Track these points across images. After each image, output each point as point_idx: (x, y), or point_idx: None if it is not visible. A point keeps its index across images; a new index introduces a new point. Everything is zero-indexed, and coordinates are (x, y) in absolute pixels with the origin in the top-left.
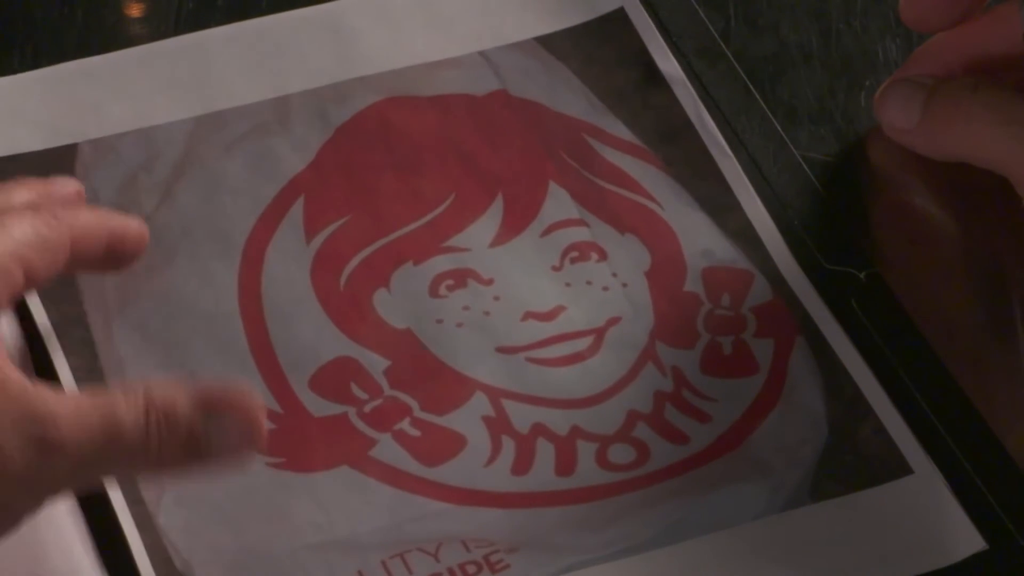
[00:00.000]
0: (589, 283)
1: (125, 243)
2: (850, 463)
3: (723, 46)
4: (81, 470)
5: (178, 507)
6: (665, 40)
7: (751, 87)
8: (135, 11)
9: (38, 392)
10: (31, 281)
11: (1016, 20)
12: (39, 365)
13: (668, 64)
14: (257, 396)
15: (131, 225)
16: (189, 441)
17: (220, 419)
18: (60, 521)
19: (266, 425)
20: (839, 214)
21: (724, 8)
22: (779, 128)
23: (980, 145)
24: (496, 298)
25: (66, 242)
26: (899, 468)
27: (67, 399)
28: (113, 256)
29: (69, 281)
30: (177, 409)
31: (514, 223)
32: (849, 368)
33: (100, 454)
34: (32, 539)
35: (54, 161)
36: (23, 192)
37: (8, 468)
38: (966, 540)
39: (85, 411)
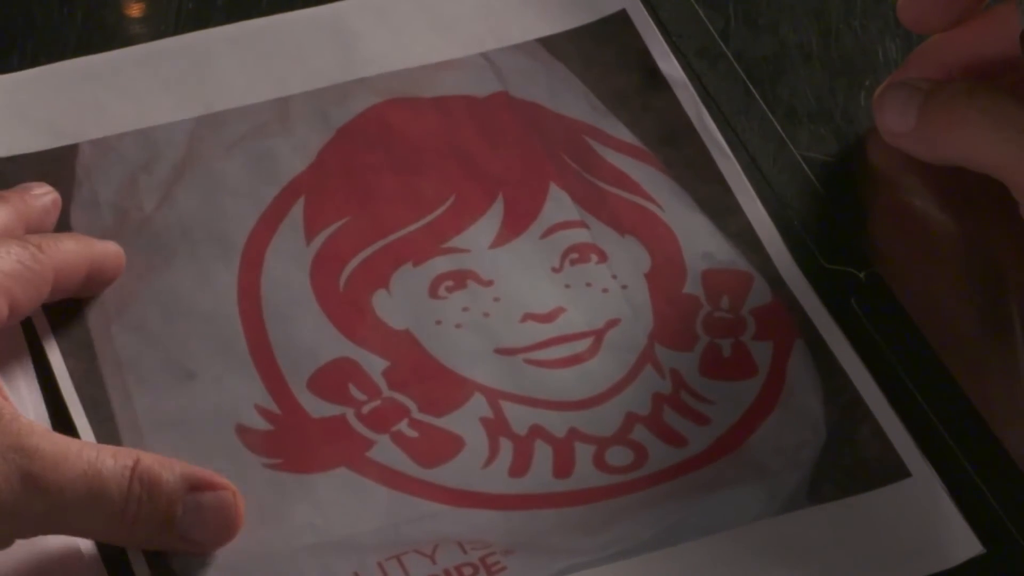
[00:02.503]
0: (589, 285)
1: (104, 271)
2: (848, 466)
3: (723, 46)
4: (56, 515)
5: None
6: (665, 40)
7: (751, 87)
8: (135, 11)
9: (30, 426)
10: (14, 314)
11: (1014, 21)
12: (37, 367)
13: (669, 66)
14: (237, 492)
15: (110, 252)
16: (167, 515)
17: (201, 497)
18: None
19: (243, 509)
20: (839, 214)
21: (724, 8)
22: (779, 128)
23: (976, 150)
24: (496, 299)
25: (50, 276)
26: (897, 471)
27: (57, 439)
28: (92, 282)
29: None
30: (162, 481)
31: (514, 224)
32: (848, 371)
33: (78, 504)
34: (31, 539)
35: (54, 161)
36: (2, 209)
37: None
38: (964, 544)
39: (72, 457)
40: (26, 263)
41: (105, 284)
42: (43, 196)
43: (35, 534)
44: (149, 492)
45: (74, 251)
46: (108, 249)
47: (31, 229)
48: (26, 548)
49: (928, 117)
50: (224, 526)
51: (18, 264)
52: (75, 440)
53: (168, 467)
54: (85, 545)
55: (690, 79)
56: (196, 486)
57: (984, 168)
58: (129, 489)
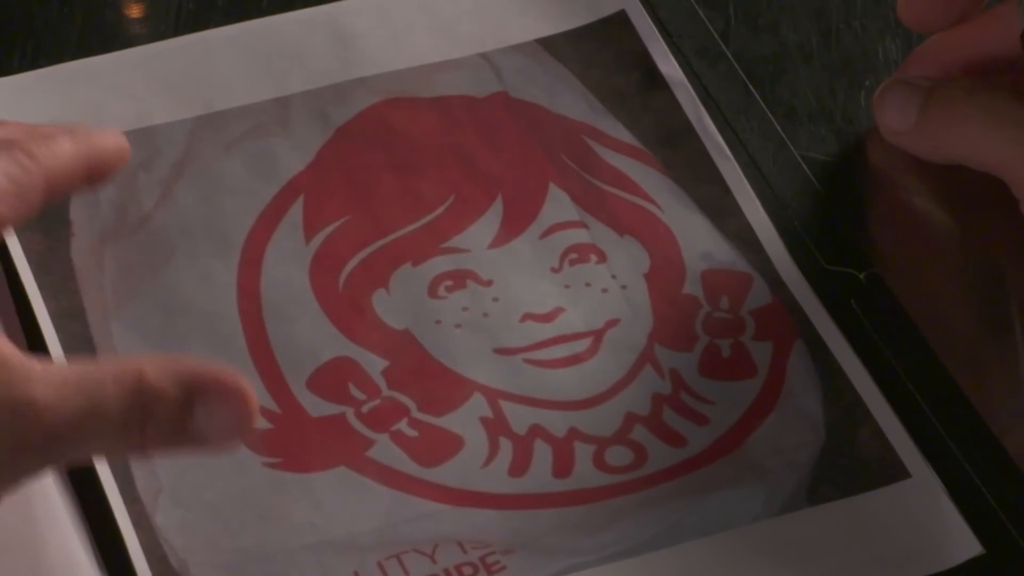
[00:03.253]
0: (588, 285)
1: (105, 166)
2: (847, 467)
3: (723, 46)
4: (58, 442)
5: (175, 506)
6: (665, 40)
7: (751, 87)
8: (135, 11)
9: (21, 358)
10: (1, 226)
11: (1014, 20)
12: None
13: (669, 67)
14: (249, 385)
15: (109, 145)
16: (175, 427)
17: (210, 406)
18: (58, 519)
19: (258, 417)
20: (839, 214)
21: (724, 8)
22: (779, 128)
23: (976, 148)
24: (495, 299)
25: (39, 184)
26: (896, 472)
27: (52, 367)
28: (91, 179)
29: (68, 278)
30: (167, 394)
31: (513, 224)
32: (847, 372)
33: (79, 427)
34: (30, 537)
35: None
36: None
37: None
38: (963, 544)
39: (70, 382)
40: (11, 172)
41: (109, 178)
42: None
43: (44, 468)
44: (155, 403)
45: (69, 153)
46: (107, 143)
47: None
48: (24, 549)
49: (929, 115)
50: (238, 426)
51: (2, 176)
52: (73, 365)
53: (173, 377)
54: (84, 546)
55: (690, 79)
56: (205, 390)
57: (985, 166)
58: (132, 405)
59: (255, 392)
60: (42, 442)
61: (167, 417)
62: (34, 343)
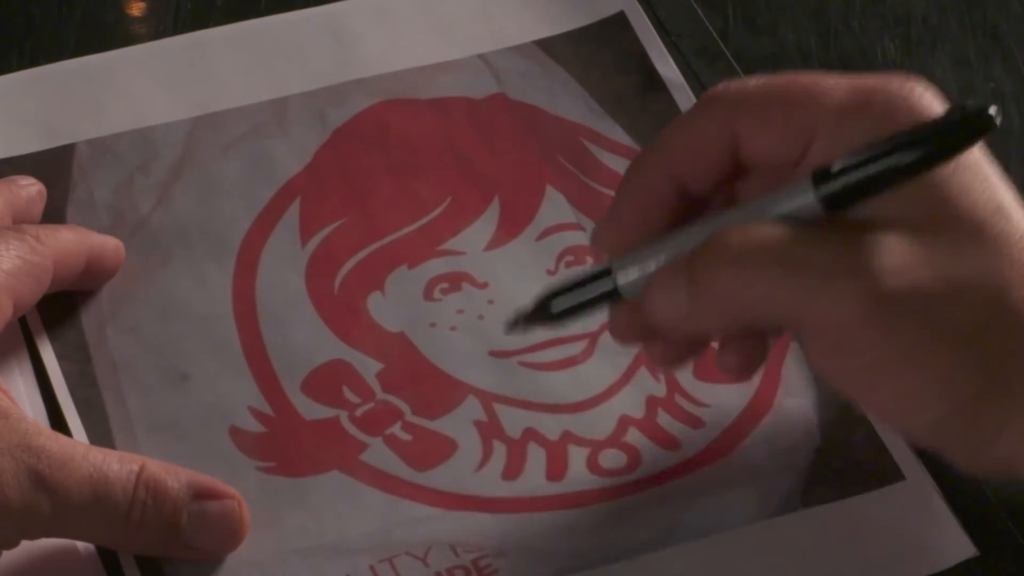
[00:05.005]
0: None
1: (103, 262)
2: (842, 469)
3: (722, 45)
4: (62, 516)
5: None
6: (664, 39)
7: None
8: (134, 11)
9: (36, 426)
10: (18, 310)
11: (717, 137)
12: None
13: (668, 69)
14: (241, 499)
15: (108, 243)
16: (172, 521)
17: (207, 505)
18: None
19: (248, 518)
20: None
21: (723, 8)
22: None
23: (765, 307)
24: (490, 302)
25: (50, 267)
26: (891, 474)
27: (63, 441)
28: (91, 274)
29: None
30: (168, 487)
31: (510, 227)
32: None
33: (83, 506)
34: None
35: (51, 161)
36: None
37: (7, 494)
38: (957, 546)
39: (79, 459)
40: (26, 257)
41: (105, 277)
42: (28, 187)
43: (40, 535)
44: (154, 497)
45: (73, 240)
46: (107, 241)
47: (18, 219)
48: (25, 550)
49: (700, 288)
50: (229, 534)
51: (19, 260)
52: (81, 443)
53: (173, 474)
54: (83, 546)
55: (688, 79)
56: (201, 494)
57: (778, 320)
58: (134, 494)
59: (247, 507)
60: (47, 516)
61: (164, 509)
62: (29, 346)
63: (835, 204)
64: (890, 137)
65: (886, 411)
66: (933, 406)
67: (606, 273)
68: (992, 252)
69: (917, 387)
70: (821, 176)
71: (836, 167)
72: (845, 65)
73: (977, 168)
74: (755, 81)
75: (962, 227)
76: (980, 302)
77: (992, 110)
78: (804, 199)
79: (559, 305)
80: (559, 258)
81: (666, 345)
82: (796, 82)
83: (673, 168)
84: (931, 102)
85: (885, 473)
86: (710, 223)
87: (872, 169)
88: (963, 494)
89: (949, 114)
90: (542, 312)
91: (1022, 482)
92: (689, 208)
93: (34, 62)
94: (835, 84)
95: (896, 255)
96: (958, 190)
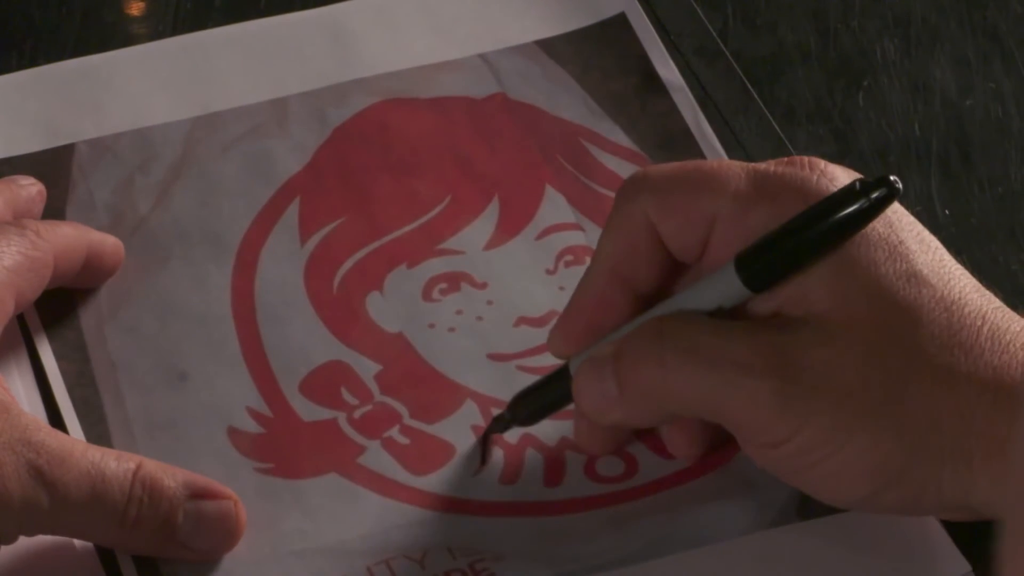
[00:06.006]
0: None
1: (103, 258)
2: None
3: (721, 45)
4: (59, 513)
5: None
6: (663, 39)
7: (749, 87)
8: (134, 11)
9: (35, 422)
10: (20, 306)
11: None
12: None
13: (668, 71)
14: (237, 500)
15: (108, 241)
16: (168, 520)
17: (203, 505)
18: None
19: (245, 518)
20: None
21: (722, 7)
22: (777, 128)
23: (690, 400)
24: (489, 302)
25: (50, 261)
26: None
27: (61, 437)
28: (90, 271)
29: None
30: (164, 486)
31: (509, 226)
32: None
33: (81, 503)
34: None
35: (51, 161)
36: None
37: (7, 487)
38: (950, 562)
39: (77, 455)
40: (27, 252)
41: (104, 275)
42: (28, 186)
43: (38, 531)
44: (150, 495)
45: (73, 235)
46: (106, 238)
47: (19, 217)
48: (25, 550)
49: (626, 380)
50: (225, 535)
51: (19, 255)
52: (79, 440)
53: (170, 473)
54: (81, 546)
55: (688, 79)
56: (198, 494)
57: (707, 414)
58: (131, 491)
59: (243, 508)
60: (48, 512)
61: (160, 508)
62: (27, 345)
63: (758, 285)
64: (799, 215)
65: (819, 492)
66: (862, 483)
67: (565, 372)
68: (908, 322)
69: (843, 468)
70: (743, 259)
71: (753, 247)
72: (845, 66)
73: (883, 241)
74: (666, 167)
75: (873, 306)
76: (894, 376)
77: (892, 178)
78: (729, 284)
79: (526, 407)
80: (558, 258)
81: (592, 429)
82: (700, 168)
83: (615, 270)
84: (829, 183)
85: None
86: (642, 317)
87: (788, 244)
88: None
89: (848, 188)
90: (514, 415)
91: (989, 517)
92: (647, 307)
93: (34, 62)
94: (736, 171)
95: (808, 349)
96: (865, 266)
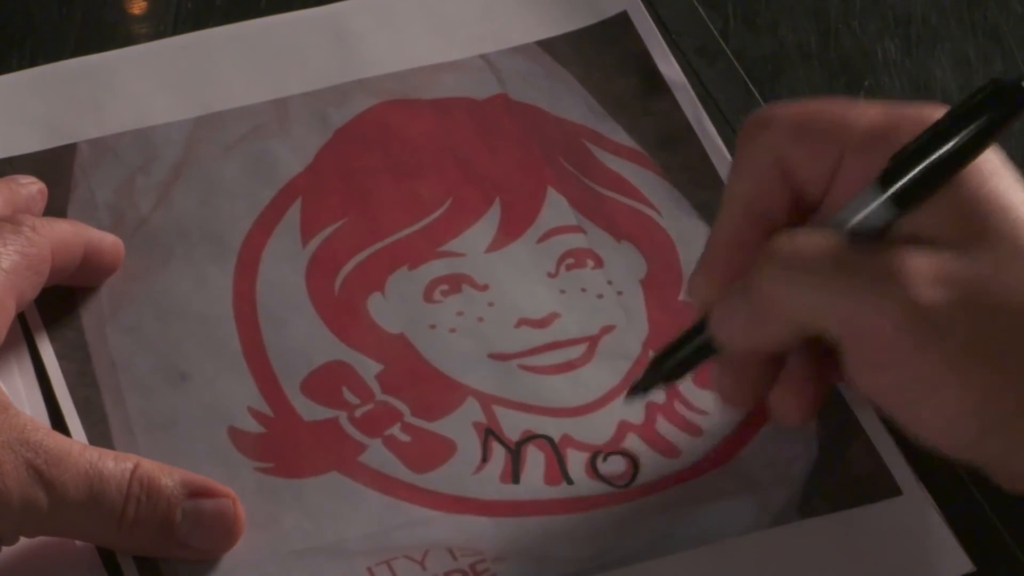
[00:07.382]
0: (584, 290)
1: (101, 255)
2: (839, 482)
3: (722, 44)
4: (58, 513)
5: None
6: (664, 38)
7: (750, 86)
8: (134, 10)
9: (33, 422)
10: (20, 305)
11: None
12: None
13: (670, 70)
14: (236, 498)
15: (107, 238)
16: (166, 519)
17: (201, 504)
18: None
19: (244, 517)
20: None
21: (723, 7)
22: None
23: (809, 308)
24: (490, 304)
25: (48, 256)
26: (888, 488)
27: (59, 438)
28: (89, 268)
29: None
30: (161, 485)
31: (511, 228)
32: (841, 387)
33: (79, 503)
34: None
35: (52, 161)
36: None
37: (7, 486)
38: (954, 561)
39: (75, 455)
40: (25, 250)
41: (104, 273)
42: (29, 185)
43: (38, 532)
44: (148, 494)
45: (70, 231)
46: (105, 236)
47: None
48: (26, 551)
49: (753, 295)
50: (224, 533)
51: (17, 255)
52: (76, 440)
53: (167, 472)
54: (83, 546)
55: (689, 78)
56: (196, 492)
57: (825, 330)
58: (129, 490)
59: (242, 507)
60: (46, 513)
61: (158, 508)
62: (28, 345)
63: (905, 201)
64: (936, 123)
65: (924, 428)
66: (970, 423)
67: (705, 323)
68: None
69: (953, 404)
70: (888, 175)
71: (897, 160)
72: (846, 65)
73: (1003, 173)
74: (789, 104)
75: (1000, 239)
76: (1017, 318)
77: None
78: (875, 202)
79: (668, 365)
80: (560, 260)
81: (737, 380)
82: (828, 104)
83: (749, 208)
84: None
85: (882, 487)
86: None
87: (932, 153)
88: (960, 509)
89: (984, 88)
90: (654, 374)
91: None
92: None
93: (34, 62)
94: (865, 110)
95: (936, 269)
96: (989, 197)
